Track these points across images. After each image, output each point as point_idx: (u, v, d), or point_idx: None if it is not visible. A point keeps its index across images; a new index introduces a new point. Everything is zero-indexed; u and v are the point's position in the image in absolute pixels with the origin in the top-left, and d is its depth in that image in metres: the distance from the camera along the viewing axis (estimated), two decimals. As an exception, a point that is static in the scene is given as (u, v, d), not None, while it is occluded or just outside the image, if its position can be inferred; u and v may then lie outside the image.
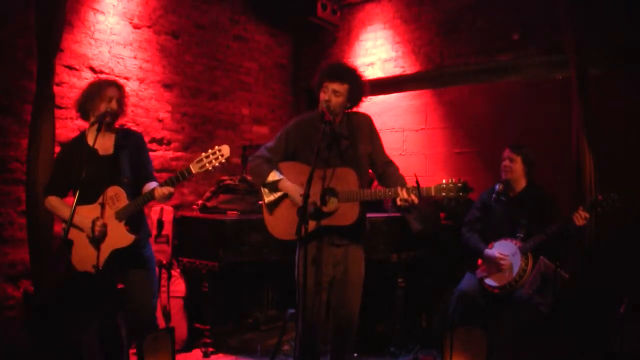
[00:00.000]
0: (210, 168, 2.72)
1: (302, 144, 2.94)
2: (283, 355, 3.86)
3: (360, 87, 2.90)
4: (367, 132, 2.97)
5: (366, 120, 3.02)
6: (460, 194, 2.60)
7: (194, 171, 2.74)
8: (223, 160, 2.73)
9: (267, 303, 4.83)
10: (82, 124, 3.10)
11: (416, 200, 2.64)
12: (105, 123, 2.90)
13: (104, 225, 2.82)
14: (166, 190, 2.77)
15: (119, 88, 2.99)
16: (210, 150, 2.74)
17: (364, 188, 2.82)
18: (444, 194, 2.62)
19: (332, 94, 2.83)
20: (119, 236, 2.84)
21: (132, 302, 2.98)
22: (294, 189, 2.85)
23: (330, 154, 2.85)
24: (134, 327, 3.02)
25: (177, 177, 2.76)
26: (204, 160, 2.72)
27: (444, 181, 2.63)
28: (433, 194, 2.65)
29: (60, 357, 3.19)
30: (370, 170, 3.06)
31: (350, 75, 2.88)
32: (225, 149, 2.73)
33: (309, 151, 2.86)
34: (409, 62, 5.19)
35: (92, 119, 2.92)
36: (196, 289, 4.07)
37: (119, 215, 2.84)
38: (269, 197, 2.91)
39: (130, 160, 2.97)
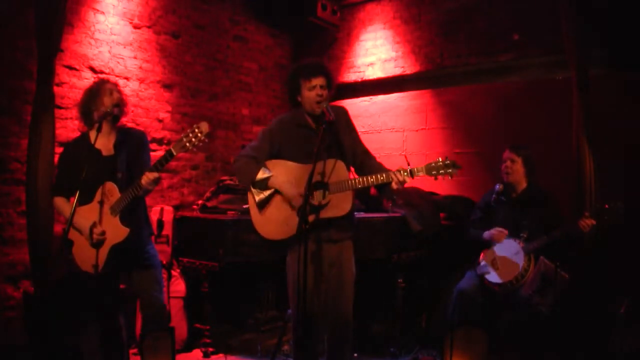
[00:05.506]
0: (190, 147, 2.72)
1: (287, 142, 2.95)
2: (283, 356, 3.85)
3: (332, 77, 2.98)
4: (344, 123, 3.01)
5: (342, 112, 3.06)
6: (450, 170, 2.68)
7: (175, 152, 2.75)
8: (202, 137, 2.72)
9: (267, 303, 4.82)
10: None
11: (408, 180, 2.73)
12: (113, 116, 2.93)
13: (103, 233, 2.83)
14: (151, 175, 2.77)
15: (113, 83, 3.05)
16: (189, 130, 2.74)
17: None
18: (434, 172, 2.70)
19: (320, 89, 2.87)
20: (114, 231, 2.84)
21: (141, 299, 3.01)
22: (285, 185, 2.85)
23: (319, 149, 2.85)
24: (146, 323, 3.02)
25: (161, 162, 2.78)
26: (184, 140, 2.72)
27: (432, 162, 2.72)
28: (424, 172, 2.72)
29: (60, 357, 3.19)
30: None
31: (325, 68, 2.96)
32: (204, 126, 2.72)
33: (295, 149, 2.90)
34: (409, 62, 5.19)
35: (97, 117, 2.91)
36: (196, 289, 4.07)
37: (113, 209, 2.85)
38: (259, 196, 2.91)
39: (127, 157, 2.98)
